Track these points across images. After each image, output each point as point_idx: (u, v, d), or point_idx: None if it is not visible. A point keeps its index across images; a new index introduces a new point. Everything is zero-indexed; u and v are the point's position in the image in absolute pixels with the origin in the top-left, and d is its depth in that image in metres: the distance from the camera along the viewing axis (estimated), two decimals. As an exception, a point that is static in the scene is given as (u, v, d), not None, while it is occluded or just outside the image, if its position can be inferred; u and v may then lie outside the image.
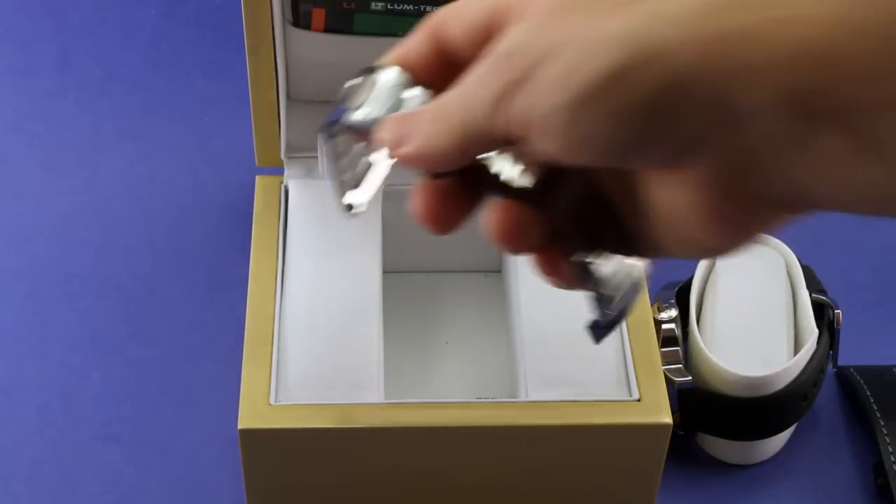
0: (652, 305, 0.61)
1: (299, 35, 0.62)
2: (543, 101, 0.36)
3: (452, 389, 0.63)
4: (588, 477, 0.58)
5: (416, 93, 0.45)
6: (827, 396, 0.67)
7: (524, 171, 0.42)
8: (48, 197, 0.74)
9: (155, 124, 0.78)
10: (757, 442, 0.63)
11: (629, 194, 0.40)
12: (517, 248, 0.43)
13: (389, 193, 0.65)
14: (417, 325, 0.66)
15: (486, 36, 0.40)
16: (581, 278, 0.44)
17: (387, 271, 0.63)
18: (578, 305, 0.60)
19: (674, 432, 0.56)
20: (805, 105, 0.32)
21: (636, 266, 0.43)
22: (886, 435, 0.64)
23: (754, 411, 0.61)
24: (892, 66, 0.31)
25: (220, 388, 0.66)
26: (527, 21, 0.38)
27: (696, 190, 0.37)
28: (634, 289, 0.43)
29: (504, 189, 0.43)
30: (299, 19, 0.62)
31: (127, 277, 0.71)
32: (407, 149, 0.42)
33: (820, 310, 0.64)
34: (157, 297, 0.70)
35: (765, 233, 0.39)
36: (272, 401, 0.55)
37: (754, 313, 0.63)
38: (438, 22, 0.43)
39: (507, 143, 0.39)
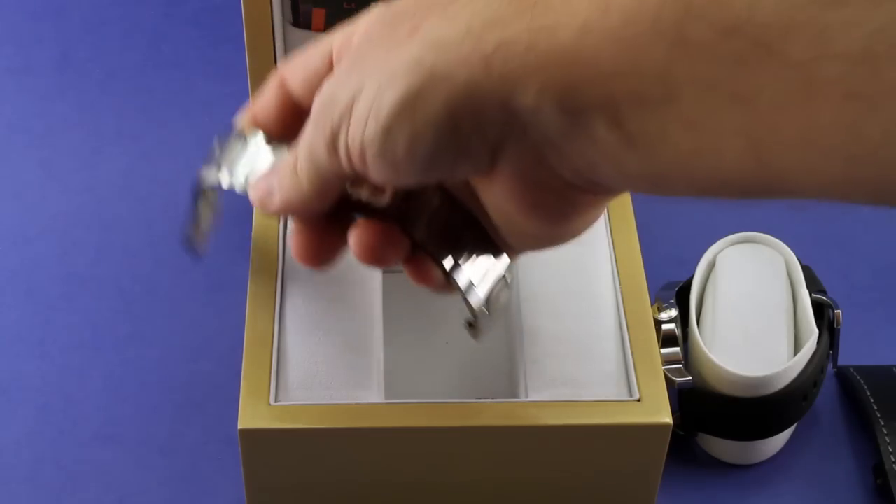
0: (652, 305, 0.61)
1: (299, 35, 0.62)
2: (362, 133, 0.41)
3: (452, 389, 0.63)
4: (588, 477, 0.58)
5: (274, 151, 0.50)
6: (827, 396, 0.67)
7: (381, 192, 0.47)
8: (48, 197, 0.74)
9: (155, 124, 0.78)
10: (757, 442, 0.63)
11: (474, 199, 0.45)
12: (382, 263, 0.48)
13: (389, 193, 0.65)
14: (417, 325, 0.66)
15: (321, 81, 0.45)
16: (450, 281, 0.47)
17: (387, 271, 0.63)
18: (578, 305, 0.60)
19: (674, 432, 0.56)
20: (568, 101, 0.37)
21: (499, 263, 0.47)
22: (886, 435, 0.64)
23: (754, 411, 0.61)
24: (626, 64, 0.36)
25: (220, 388, 0.66)
26: (342, 62, 0.44)
27: (511, 185, 0.42)
28: (499, 285, 0.46)
29: (369, 212, 0.47)
30: (299, 19, 0.62)
31: (127, 277, 0.71)
32: (275, 204, 0.48)
33: (820, 310, 0.64)
34: (157, 298, 0.70)
35: (588, 218, 0.44)
36: (272, 401, 0.55)
37: (754, 313, 0.63)
38: (282, 77, 0.48)
39: (355, 175, 0.44)
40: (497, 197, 0.43)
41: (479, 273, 0.47)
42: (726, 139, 0.35)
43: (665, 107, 0.36)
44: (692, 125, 0.36)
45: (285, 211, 0.48)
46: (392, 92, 0.40)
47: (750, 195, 0.37)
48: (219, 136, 0.53)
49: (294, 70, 0.48)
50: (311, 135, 0.44)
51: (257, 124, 0.50)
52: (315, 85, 0.46)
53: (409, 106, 0.40)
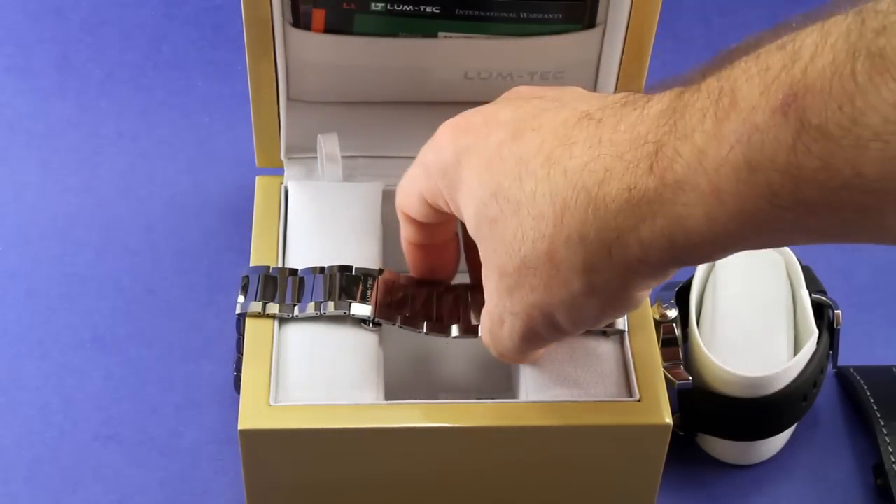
0: (652, 306, 0.61)
1: (299, 35, 0.62)
2: (574, 332, 0.52)
3: (452, 389, 0.63)
4: (588, 477, 0.58)
5: None
6: (827, 396, 0.67)
7: None
8: (48, 197, 0.74)
9: (155, 124, 0.78)
10: (757, 442, 0.63)
11: None
12: None
13: (390, 194, 0.65)
14: (417, 326, 0.66)
15: (431, 209, 0.54)
16: None
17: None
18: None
19: (674, 432, 0.56)
20: (727, 253, 0.45)
21: None
22: (886, 435, 0.64)
23: (754, 411, 0.61)
24: (755, 236, 0.42)
25: (220, 388, 0.66)
26: (500, 307, 0.51)
27: None
28: None
29: None
30: (299, 20, 0.62)
31: (127, 278, 0.71)
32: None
33: (820, 310, 0.64)
34: (157, 298, 0.70)
35: None
36: (272, 401, 0.55)
37: (754, 313, 0.63)
38: (402, 211, 0.56)
39: None
40: None
41: None
42: (870, 239, 0.41)
43: (809, 236, 0.42)
44: (838, 238, 0.41)
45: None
46: (591, 312, 0.49)
47: None
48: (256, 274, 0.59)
49: (404, 207, 0.56)
50: (507, 342, 0.53)
51: (413, 245, 0.57)
52: (425, 212, 0.54)
53: (609, 309, 0.49)
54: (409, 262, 0.58)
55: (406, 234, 0.57)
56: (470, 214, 0.49)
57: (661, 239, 0.44)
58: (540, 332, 0.50)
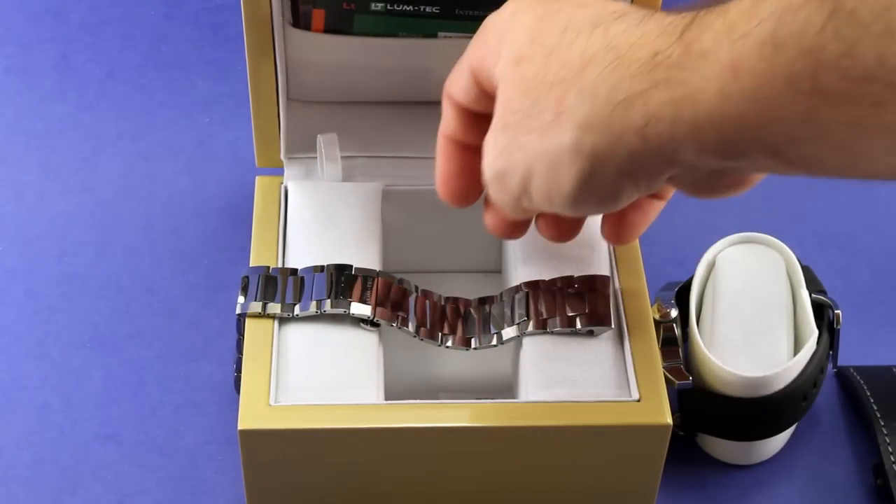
0: (652, 306, 0.61)
1: (299, 35, 0.62)
2: (548, 204, 0.49)
3: (452, 389, 0.63)
4: (588, 477, 0.58)
5: None
6: (827, 396, 0.67)
7: None
8: (48, 197, 0.74)
9: (155, 124, 0.78)
10: (757, 442, 0.63)
11: None
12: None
13: (389, 193, 0.65)
14: (417, 326, 0.66)
15: (480, 91, 0.52)
16: None
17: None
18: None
19: (674, 432, 0.56)
20: (726, 151, 0.43)
21: None
22: (886, 435, 0.64)
23: (754, 411, 0.61)
24: (771, 117, 0.41)
25: (220, 388, 0.66)
26: (492, 132, 0.50)
27: (687, 188, 0.51)
28: None
29: None
30: (299, 20, 0.62)
31: (127, 277, 0.71)
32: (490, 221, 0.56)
33: (820, 310, 0.64)
34: (157, 297, 0.70)
35: (749, 185, 0.51)
36: (272, 401, 0.55)
37: (754, 313, 0.63)
38: (448, 93, 0.54)
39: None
40: (669, 190, 0.54)
41: None
42: (878, 158, 0.40)
43: (816, 140, 0.40)
44: (844, 150, 0.40)
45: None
46: (566, 177, 0.47)
47: None
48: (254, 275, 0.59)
49: (453, 88, 0.54)
50: (496, 197, 0.52)
51: (454, 134, 0.55)
52: (474, 97, 0.53)
53: (585, 184, 0.47)
54: (438, 164, 0.56)
55: (444, 124, 0.55)
56: (504, 57, 0.49)
57: (666, 110, 0.43)
58: (511, 180, 0.49)
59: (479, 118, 0.53)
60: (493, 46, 0.50)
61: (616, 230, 0.56)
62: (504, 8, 0.51)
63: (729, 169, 0.48)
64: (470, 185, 0.55)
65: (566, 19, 0.47)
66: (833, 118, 0.39)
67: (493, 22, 0.51)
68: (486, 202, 0.56)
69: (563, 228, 0.56)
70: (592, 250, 0.61)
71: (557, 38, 0.47)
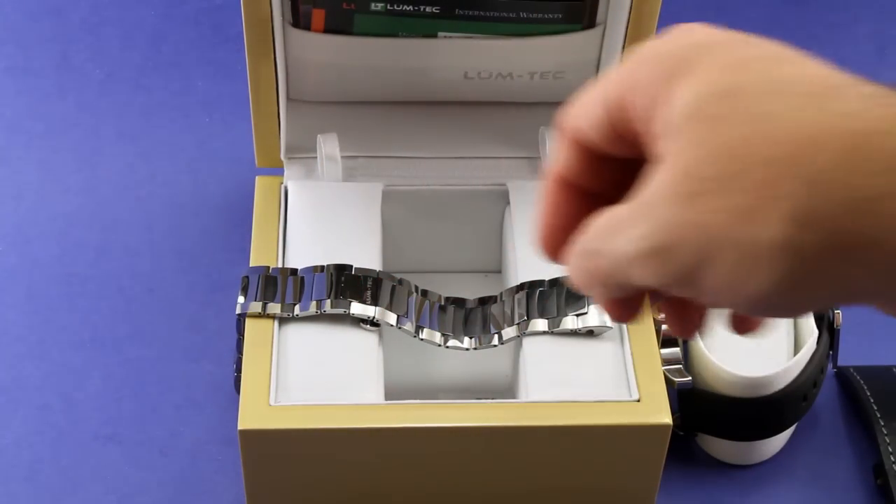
0: (652, 306, 0.61)
1: (299, 35, 0.62)
2: (714, 298, 0.39)
3: (452, 389, 0.63)
4: (588, 477, 0.58)
5: None
6: (827, 396, 0.67)
7: None
8: (48, 197, 0.74)
9: (155, 124, 0.78)
10: (757, 442, 0.63)
11: None
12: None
13: (389, 194, 0.65)
14: (417, 326, 0.66)
15: (612, 130, 0.42)
16: None
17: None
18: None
19: (674, 432, 0.56)
20: None
21: None
22: (886, 435, 0.64)
23: (754, 411, 0.61)
24: None
25: (220, 388, 0.66)
26: (665, 193, 0.39)
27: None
28: None
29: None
30: (299, 20, 0.62)
31: (127, 277, 0.71)
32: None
33: (820, 310, 0.64)
34: (157, 297, 0.70)
35: None
36: (272, 401, 0.55)
37: (754, 313, 0.63)
38: (571, 127, 0.43)
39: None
40: None
41: None
42: None
43: None
44: None
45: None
46: (763, 277, 0.37)
47: None
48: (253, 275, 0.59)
49: (580, 118, 0.43)
50: (635, 274, 0.41)
51: (567, 178, 0.45)
52: (605, 131, 0.42)
53: (787, 289, 0.38)
54: (544, 210, 0.45)
55: (559, 163, 0.45)
56: (684, 104, 0.39)
57: None
58: (667, 263, 0.39)
59: (605, 160, 0.44)
60: (658, 83, 0.40)
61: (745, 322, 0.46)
62: (676, 36, 0.42)
63: None
64: (574, 233, 0.45)
65: (771, 77, 0.39)
66: None
67: (660, 52, 0.41)
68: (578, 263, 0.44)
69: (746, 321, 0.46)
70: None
71: (765, 102, 0.39)
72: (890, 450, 0.63)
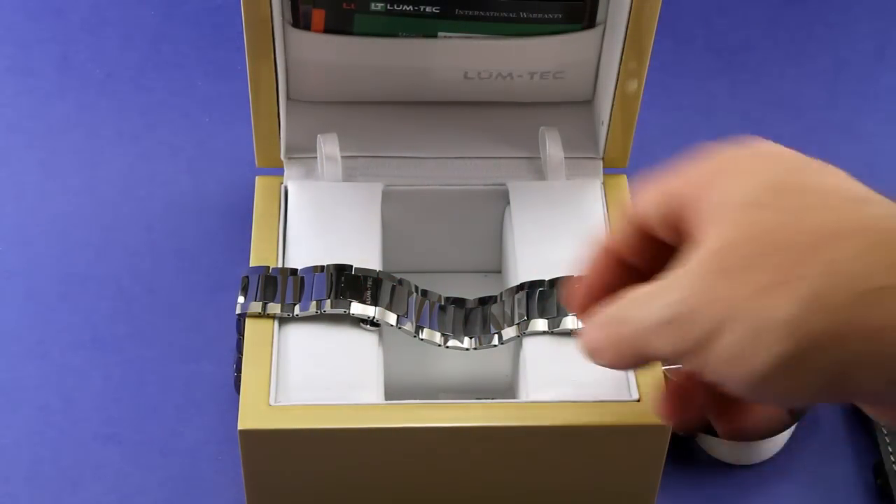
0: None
1: (299, 35, 0.62)
2: (716, 372, 0.42)
3: (452, 389, 0.63)
4: (588, 477, 0.58)
5: None
6: (827, 396, 0.67)
7: None
8: (48, 197, 0.74)
9: (155, 124, 0.78)
10: (757, 442, 0.63)
11: None
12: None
13: (389, 194, 0.65)
14: (417, 326, 0.66)
15: (672, 221, 0.45)
16: None
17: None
18: (578, 305, 0.60)
19: (674, 432, 0.56)
20: None
21: None
22: (886, 435, 0.64)
23: (754, 411, 0.61)
24: None
25: (220, 388, 0.66)
26: (695, 270, 0.42)
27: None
28: None
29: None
30: (299, 20, 0.62)
31: (127, 277, 0.71)
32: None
33: (820, 310, 0.64)
34: (157, 297, 0.70)
35: None
36: (272, 401, 0.55)
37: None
38: (639, 215, 0.47)
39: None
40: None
41: None
42: None
43: None
44: None
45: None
46: (764, 352, 0.40)
47: None
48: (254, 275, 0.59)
49: (645, 208, 0.47)
50: (651, 341, 0.44)
51: (615, 253, 0.49)
52: (665, 222, 0.46)
53: (783, 368, 0.40)
54: (588, 273, 0.50)
55: (613, 239, 0.49)
56: (731, 193, 0.42)
57: None
58: (684, 333, 0.42)
59: (654, 242, 0.47)
60: (709, 177, 0.43)
61: (733, 427, 0.49)
62: (737, 146, 0.44)
63: None
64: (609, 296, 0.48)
65: (817, 180, 0.42)
66: None
67: (719, 155, 0.44)
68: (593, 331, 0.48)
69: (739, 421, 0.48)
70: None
71: (803, 199, 0.41)
72: (890, 450, 0.63)
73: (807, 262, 0.39)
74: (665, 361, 0.49)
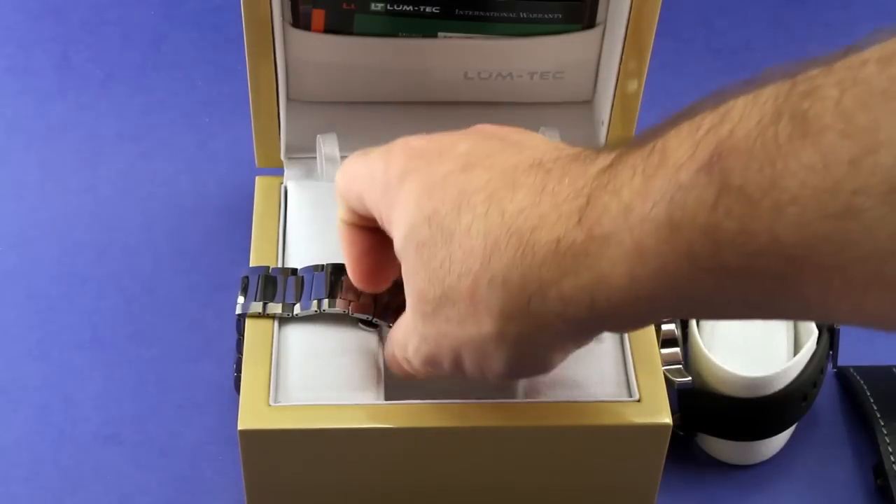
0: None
1: (299, 35, 0.62)
2: (482, 379, 0.50)
3: (452, 389, 0.63)
4: (588, 477, 0.58)
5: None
6: (827, 396, 0.67)
7: None
8: (48, 197, 0.74)
9: (155, 124, 0.78)
10: (757, 442, 0.63)
11: None
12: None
13: (389, 193, 0.65)
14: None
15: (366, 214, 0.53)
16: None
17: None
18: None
19: (674, 432, 0.56)
20: (637, 322, 0.48)
21: None
22: (886, 435, 0.64)
23: (754, 411, 0.61)
24: (679, 297, 0.42)
25: (220, 388, 0.66)
26: (412, 316, 0.50)
27: None
28: None
29: None
30: (299, 20, 0.62)
31: (127, 277, 0.71)
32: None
33: (820, 310, 0.64)
34: (157, 297, 0.70)
35: None
36: (272, 401, 0.55)
37: (754, 313, 0.63)
38: (340, 191, 0.54)
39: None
40: None
41: None
42: (792, 314, 0.43)
43: (726, 307, 0.41)
44: (755, 310, 0.41)
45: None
46: (496, 361, 0.48)
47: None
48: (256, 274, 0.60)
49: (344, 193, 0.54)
50: (428, 374, 0.53)
51: (349, 223, 0.55)
52: (358, 209, 0.53)
53: (517, 363, 0.48)
54: (343, 249, 0.56)
55: (340, 212, 0.55)
56: (400, 234, 0.49)
57: (582, 295, 0.43)
58: (442, 363, 0.50)
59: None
60: (379, 199, 0.50)
61: None
62: (391, 160, 0.50)
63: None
64: (381, 262, 0.55)
65: (457, 192, 0.47)
66: (740, 290, 0.39)
67: (380, 171, 0.51)
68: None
69: None
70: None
71: (454, 220, 0.46)
72: (890, 450, 0.63)
73: (481, 284, 0.45)
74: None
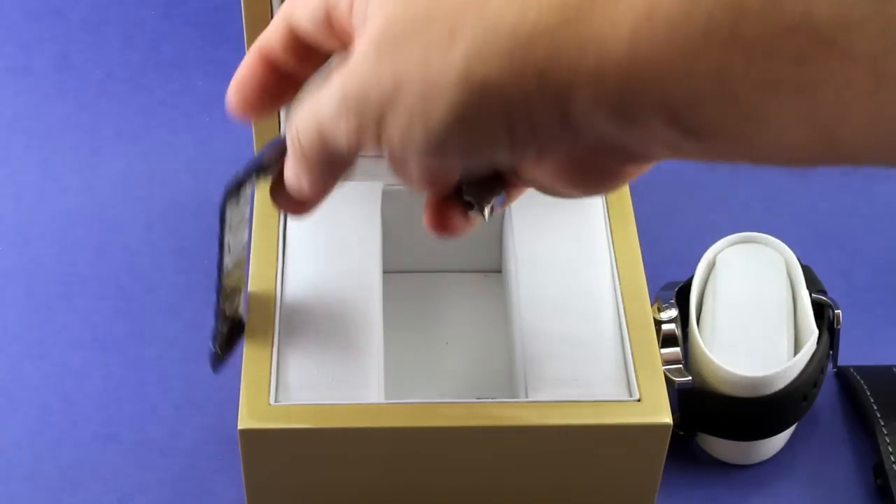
0: (652, 305, 0.61)
1: (299, 35, 0.62)
2: (396, 143, 0.42)
3: (452, 389, 0.63)
4: (588, 477, 0.58)
5: None
6: (827, 396, 0.67)
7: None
8: (48, 197, 0.74)
9: (155, 124, 0.78)
10: (757, 442, 0.63)
11: (513, 171, 0.47)
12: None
13: (389, 193, 0.65)
14: (417, 325, 0.66)
15: (328, 25, 0.45)
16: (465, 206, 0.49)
17: (387, 271, 0.63)
18: (578, 305, 0.60)
19: (674, 432, 0.56)
20: (624, 108, 0.38)
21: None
22: (886, 435, 0.64)
23: (754, 411, 0.61)
24: (681, 70, 0.36)
25: (220, 388, 0.66)
26: (363, 50, 0.42)
27: (555, 167, 0.44)
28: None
29: None
30: (299, 19, 0.62)
31: (127, 277, 0.71)
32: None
33: (820, 310, 0.64)
34: (157, 297, 0.70)
35: (628, 178, 0.46)
36: (272, 401, 0.55)
37: (754, 313, 0.63)
38: (287, 13, 0.47)
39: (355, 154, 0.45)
40: (538, 173, 0.45)
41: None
42: (791, 128, 0.36)
43: (724, 102, 0.36)
44: (754, 116, 0.36)
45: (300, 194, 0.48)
46: (440, 106, 0.40)
47: (815, 167, 0.38)
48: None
49: (298, 9, 0.47)
50: (328, 128, 0.44)
51: (267, 56, 0.50)
52: (321, 26, 0.45)
53: (459, 119, 0.40)
54: (240, 71, 0.52)
55: (265, 39, 0.49)
56: None
57: (571, 51, 0.37)
58: (364, 115, 0.42)
59: (309, 51, 0.47)
60: None
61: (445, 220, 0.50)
62: None
63: (615, 141, 0.40)
64: (266, 101, 0.50)
65: None
66: (747, 73, 0.35)
67: None
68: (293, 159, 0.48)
69: (446, 219, 0.50)
70: (592, 250, 0.61)
71: None
72: (890, 450, 0.63)
73: (469, 15, 0.39)
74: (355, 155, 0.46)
